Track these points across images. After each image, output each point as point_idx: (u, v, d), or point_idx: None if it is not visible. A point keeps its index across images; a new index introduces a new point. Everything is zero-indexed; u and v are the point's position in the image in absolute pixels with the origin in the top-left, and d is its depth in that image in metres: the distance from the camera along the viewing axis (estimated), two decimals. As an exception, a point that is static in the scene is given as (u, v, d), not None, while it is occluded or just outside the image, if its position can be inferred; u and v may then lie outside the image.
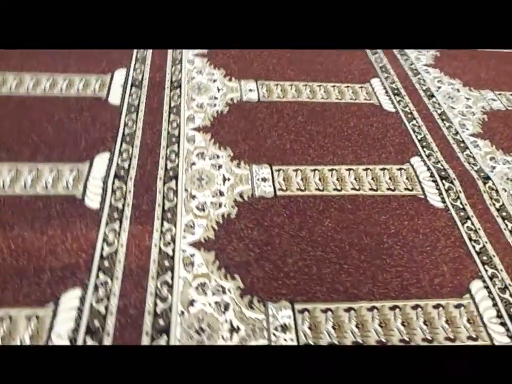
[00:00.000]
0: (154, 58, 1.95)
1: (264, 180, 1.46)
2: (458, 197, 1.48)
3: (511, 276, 1.27)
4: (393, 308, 1.18)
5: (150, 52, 1.99)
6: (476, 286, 1.25)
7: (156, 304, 1.13)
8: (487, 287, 1.25)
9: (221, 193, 1.41)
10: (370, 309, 1.17)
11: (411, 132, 1.71)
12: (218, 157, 1.53)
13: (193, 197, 1.39)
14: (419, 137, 1.70)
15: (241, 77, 1.90)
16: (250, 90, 1.83)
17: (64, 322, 1.08)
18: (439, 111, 1.83)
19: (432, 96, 1.91)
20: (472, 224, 1.40)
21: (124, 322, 1.09)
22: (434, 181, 1.52)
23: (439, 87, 1.97)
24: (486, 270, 1.28)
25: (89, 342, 1.04)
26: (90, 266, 1.19)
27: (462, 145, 1.68)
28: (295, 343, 1.09)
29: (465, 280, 1.26)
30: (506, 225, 1.40)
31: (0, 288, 1.12)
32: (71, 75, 1.80)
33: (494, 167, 1.60)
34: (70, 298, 1.12)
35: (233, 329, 1.10)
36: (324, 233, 1.33)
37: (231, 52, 2.03)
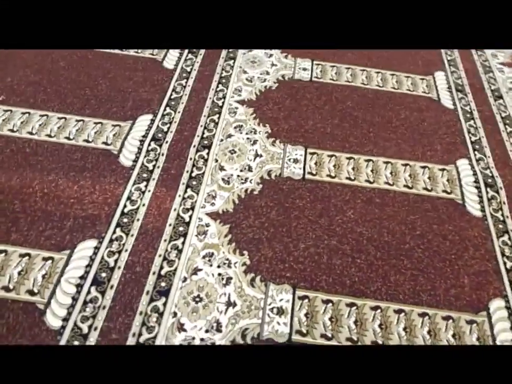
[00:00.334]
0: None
1: (295, 161, 1.44)
2: (501, 208, 1.37)
3: (540, 301, 1.17)
4: (398, 311, 1.13)
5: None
6: (496, 304, 1.17)
7: (162, 267, 1.17)
8: (508, 308, 1.16)
9: (250, 169, 1.41)
10: (374, 308, 1.14)
11: (465, 133, 1.59)
12: (255, 132, 1.52)
13: (222, 168, 1.41)
14: (473, 139, 1.58)
15: (298, 54, 1.86)
16: (304, 69, 1.79)
17: (74, 269, 1.14)
18: (503, 114, 1.68)
19: (500, 97, 1.75)
20: (510, 239, 1.30)
21: (128, 278, 1.14)
22: (478, 187, 1.42)
23: (511, 89, 1.80)
24: (512, 290, 1.19)
25: (93, 292, 1.11)
26: (110, 220, 1.25)
27: (520, 154, 1.54)
28: (287, 329, 1.08)
29: (485, 296, 1.18)
30: (549, 246, 1.29)
31: (27, 228, 1.21)
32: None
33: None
34: (85, 248, 1.19)
35: (229, 304, 1.12)
36: (344, 223, 1.30)
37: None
